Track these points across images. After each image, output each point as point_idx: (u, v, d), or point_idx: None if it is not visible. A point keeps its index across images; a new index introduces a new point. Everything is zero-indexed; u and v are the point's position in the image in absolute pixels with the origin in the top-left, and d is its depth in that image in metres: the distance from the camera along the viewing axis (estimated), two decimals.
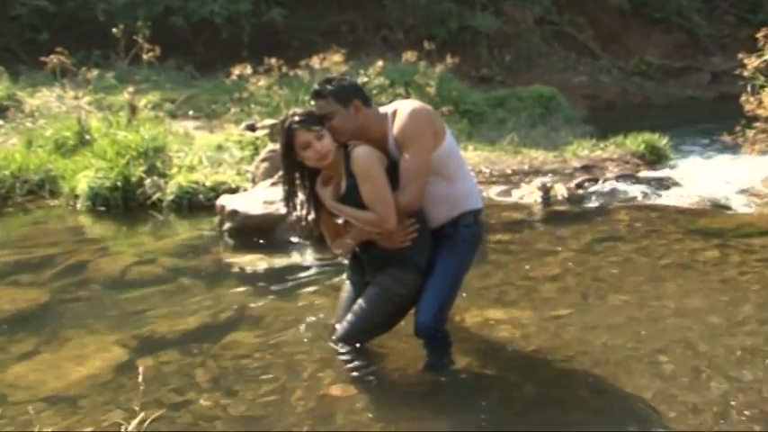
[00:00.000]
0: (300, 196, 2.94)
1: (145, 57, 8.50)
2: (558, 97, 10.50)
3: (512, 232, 5.07)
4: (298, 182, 2.91)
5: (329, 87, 2.83)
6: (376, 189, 2.76)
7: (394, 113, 2.88)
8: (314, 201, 2.92)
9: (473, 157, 7.19)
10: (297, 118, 2.79)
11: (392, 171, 2.82)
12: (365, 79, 8.10)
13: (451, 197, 2.97)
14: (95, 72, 8.41)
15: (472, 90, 10.63)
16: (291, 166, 2.88)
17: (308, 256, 4.64)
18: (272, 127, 7.12)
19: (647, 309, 3.62)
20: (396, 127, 2.85)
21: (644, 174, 6.84)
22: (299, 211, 2.95)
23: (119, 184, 5.96)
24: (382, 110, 2.94)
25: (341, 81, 2.89)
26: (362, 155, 2.78)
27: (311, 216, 2.95)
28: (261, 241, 4.90)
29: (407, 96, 8.14)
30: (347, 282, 3.16)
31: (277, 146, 4.32)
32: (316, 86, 2.89)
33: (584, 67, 14.26)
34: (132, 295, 4.01)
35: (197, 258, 4.69)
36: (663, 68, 14.40)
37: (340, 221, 2.97)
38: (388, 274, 2.93)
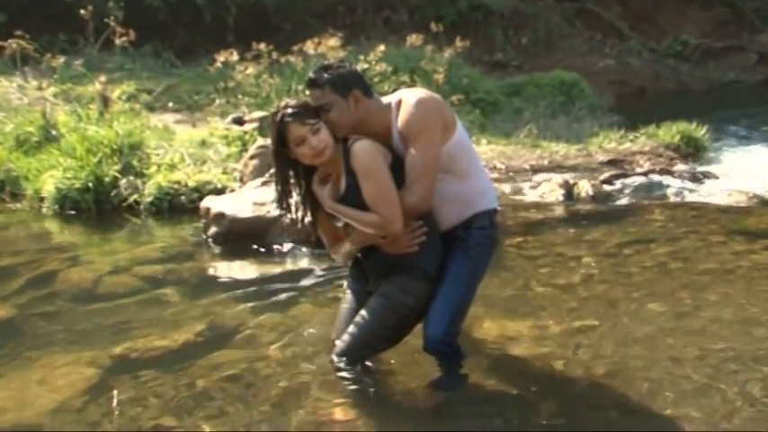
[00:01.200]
0: (295, 197, 2.95)
1: (118, 42, 8.53)
2: (581, 84, 10.52)
3: (531, 234, 5.07)
4: (292, 181, 2.93)
5: (326, 75, 2.84)
6: (379, 187, 2.77)
7: (398, 104, 2.90)
8: (310, 201, 2.94)
9: (486, 151, 7.21)
10: (289, 110, 2.81)
11: (397, 168, 2.83)
12: (365, 66, 8.13)
13: (463, 196, 2.98)
14: (61, 59, 8.44)
15: (485, 77, 10.65)
16: (284, 164, 2.89)
17: (304, 264, 4.66)
18: (261, 120, 7.15)
19: (686, 320, 3.62)
20: (400, 119, 2.86)
21: (679, 168, 6.84)
22: (294, 214, 2.97)
23: (90, 184, 5.99)
24: (385, 100, 2.95)
25: (339, 68, 2.90)
26: (363, 150, 2.80)
27: (307, 219, 2.97)
28: (251, 247, 4.92)
29: (413, 84, 8.16)
30: (348, 291, 3.18)
31: (268, 141, 4.33)
32: (311, 75, 2.91)
33: (611, 49, 14.26)
34: (106, 309, 4.02)
35: (179, 267, 4.70)
36: (701, 49, 14.38)
37: (339, 224, 2.98)
38: (393, 283, 2.94)
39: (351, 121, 2.85)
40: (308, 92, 2.90)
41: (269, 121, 2.97)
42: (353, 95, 2.85)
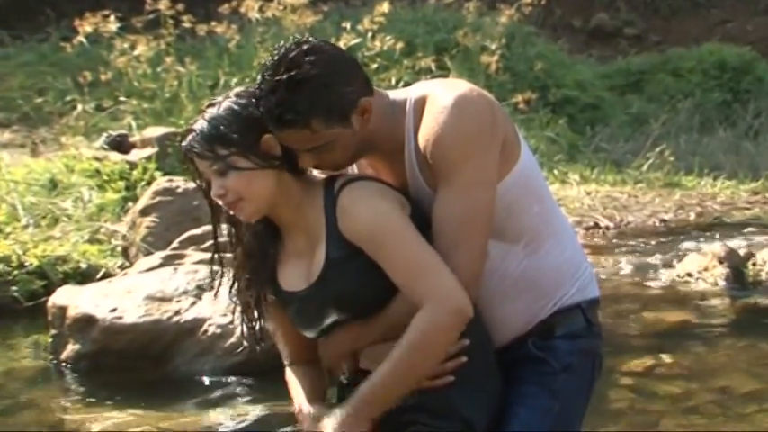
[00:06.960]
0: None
1: None
2: (757, 67, 10.64)
3: (667, 351, 5.13)
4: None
5: (303, 100, 2.70)
6: (412, 250, 2.77)
7: (419, 104, 2.92)
8: (255, 280, 2.96)
9: (580, 194, 7.30)
10: (196, 126, 2.83)
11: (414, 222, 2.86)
12: (355, 41, 8.26)
13: (535, 279, 3.01)
14: None
15: (575, 58, 10.81)
16: (218, 216, 2.95)
17: (246, 409, 4.69)
18: (163, 141, 7.26)
19: None
20: (423, 134, 2.87)
21: None
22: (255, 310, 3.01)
23: None
24: (398, 96, 2.96)
25: (314, 63, 2.78)
26: (365, 200, 2.81)
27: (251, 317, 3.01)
28: (144, 381, 4.95)
29: (443, 74, 8.27)
30: None
31: (176, 180, 4.40)
32: (268, 102, 2.72)
33: None
34: None
35: (5, 424, 4.72)
36: None
37: (311, 334, 3.01)
38: None
39: (353, 150, 2.88)
40: (276, 130, 2.75)
41: (180, 141, 2.99)
42: (360, 108, 2.83)
